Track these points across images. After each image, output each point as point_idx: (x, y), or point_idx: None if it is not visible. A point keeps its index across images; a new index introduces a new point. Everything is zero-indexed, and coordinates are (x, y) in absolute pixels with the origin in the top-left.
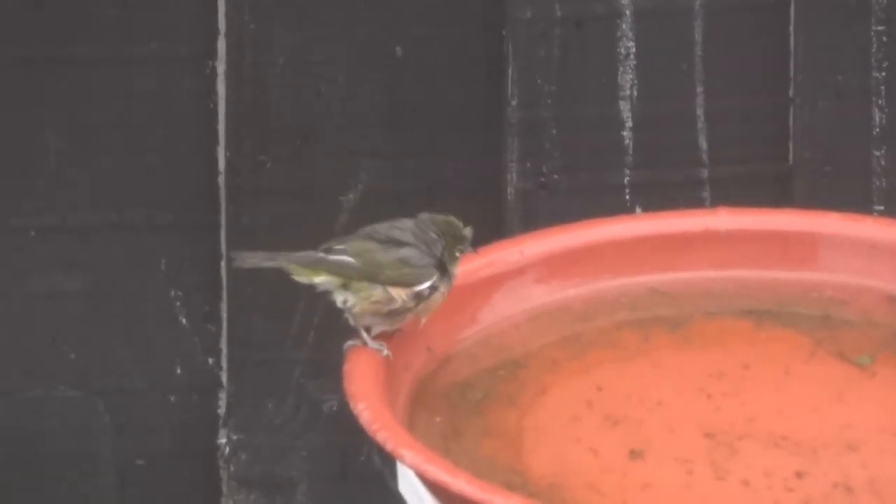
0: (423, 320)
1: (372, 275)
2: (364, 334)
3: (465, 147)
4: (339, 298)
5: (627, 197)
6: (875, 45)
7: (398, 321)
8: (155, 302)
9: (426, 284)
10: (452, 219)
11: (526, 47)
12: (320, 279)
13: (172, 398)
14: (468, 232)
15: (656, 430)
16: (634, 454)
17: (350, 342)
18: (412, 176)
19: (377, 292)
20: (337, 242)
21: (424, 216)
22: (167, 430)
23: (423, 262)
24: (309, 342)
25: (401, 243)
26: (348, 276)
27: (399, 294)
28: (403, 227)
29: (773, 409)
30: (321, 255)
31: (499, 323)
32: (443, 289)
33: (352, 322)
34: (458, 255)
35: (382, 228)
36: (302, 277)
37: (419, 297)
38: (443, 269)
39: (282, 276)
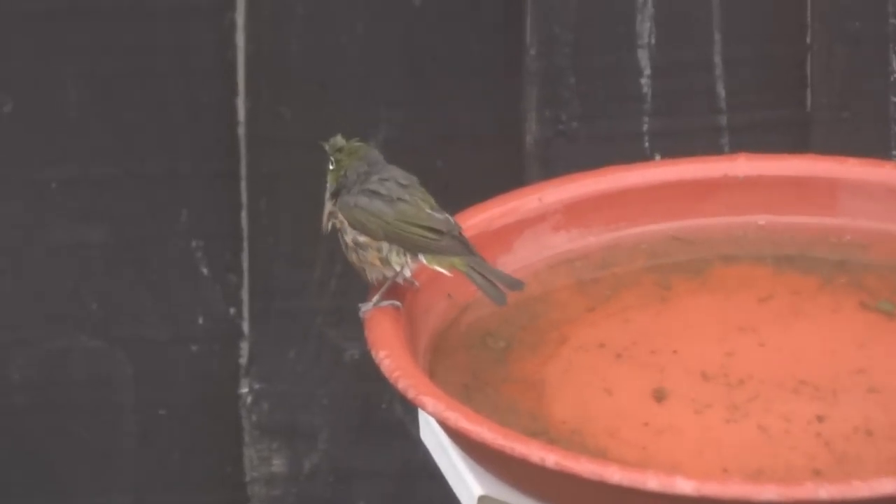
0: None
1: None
2: (375, 296)
3: (484, 95)
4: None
5: (646, 144)
6: None
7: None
8: (176, 252)
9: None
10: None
11: None
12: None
13: (194, 348)
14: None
15: (676, 376)
16: (654, 400)
17: (363, 305)
18: (432, 124)
19: None
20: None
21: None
22: (189, 379)
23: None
24: (330, 290)
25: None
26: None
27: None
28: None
29: (793, 353)
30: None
31: (518, 270)
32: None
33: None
34: (331, 167)
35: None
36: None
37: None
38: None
39: (302, 225)
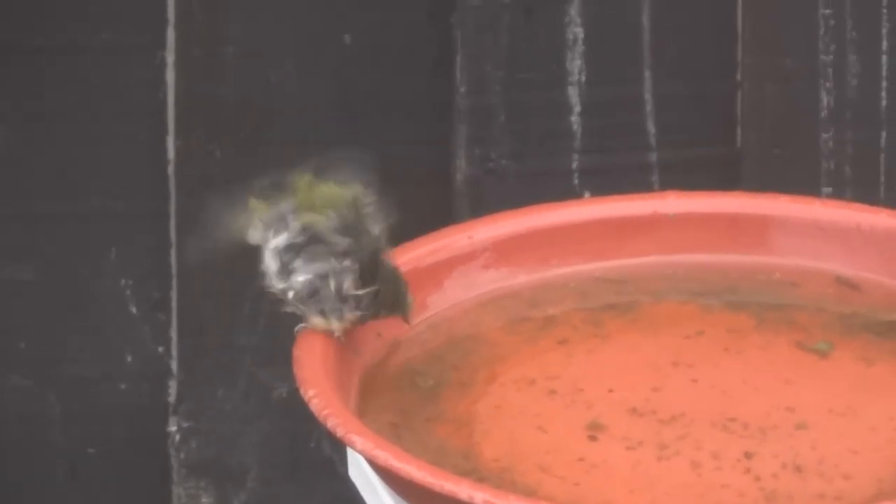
0: None
1: None
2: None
3: (415, 134)
4: None
5: (576, 182)
6: (822, 29)
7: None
8: (105, 290)
9: None
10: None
11: (474, 34)
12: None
13: (123, 386)
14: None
15: (608, 413)
16: (586, 437)
17: (301, 325)
18: (363, 162)
19: None
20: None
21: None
22: (118, 418)
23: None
24: (259, 329)
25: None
26: None
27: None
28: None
29: (722, 391)
30: None
31: (448, 309)
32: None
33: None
34: None
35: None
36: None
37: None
38: None
39: (231, 264)
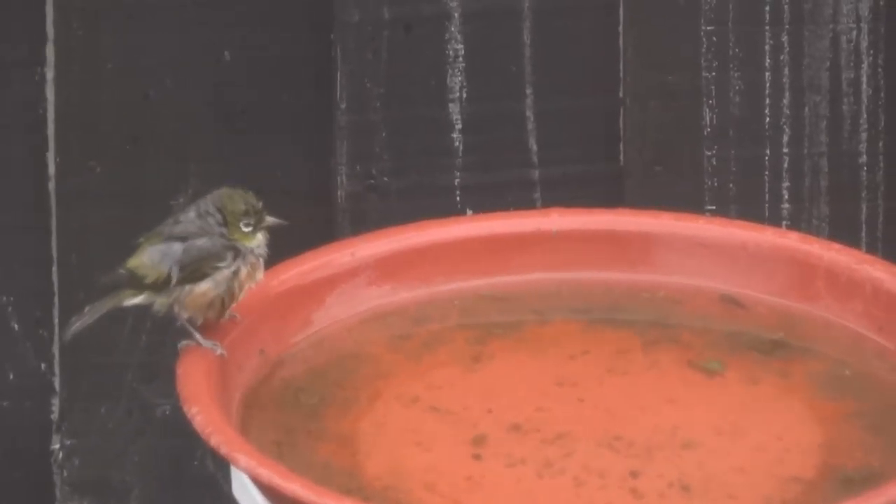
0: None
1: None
2: (197, 335)
3: (295, 150)
4: (156, 308)
5: (458, 199)
6: (705, 45)
7: (220, 311)
8: None
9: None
10: (234, 192)
11: (354, 50)
12: (136, 300)
13: (5, 403)
14: (252, 202)
15: (491, 431)
16: (469, 455)
17: (184, 341)
18: (242, 179)
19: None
20: (131, 257)
21: (207, 197)
22: (0, 435)
23: (213, 248)
24: (141, 346)
25: (183, 238)
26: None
27: (203, 287)
28: (186, 219)
29: (607, 409)
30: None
31: (332, 325)
32: (245, 268)
33: (179, 321)
34: (245, 229)
35: (166, 227)
36: (128, 303)
37: (224, 282)
38: (235, 248)
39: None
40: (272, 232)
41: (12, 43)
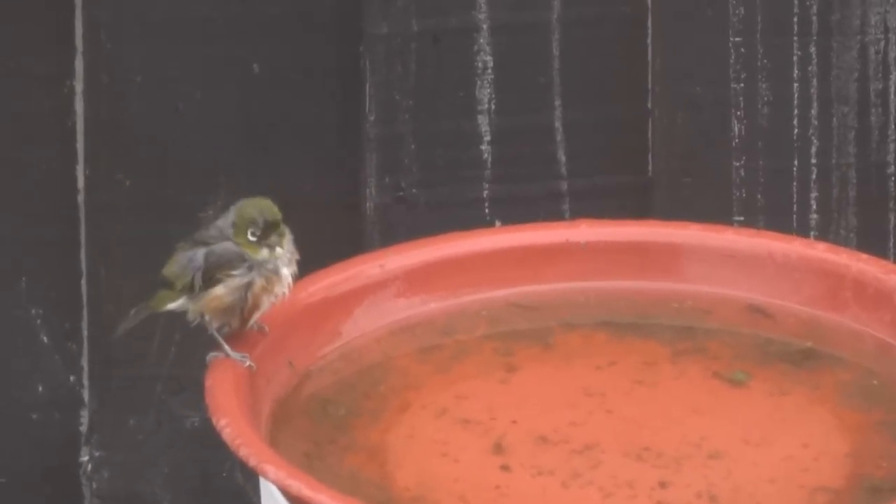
0: (257, 314)
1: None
2: (226, 346)
3: (323, 162)
4: (189, 315)
5: (487, 210)
6: (733, 57)
7: (241, 319)
8: (15, 320)
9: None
10: (255, 200)
11: (383, 63)
12: (174, 305)
13: (34, 416)
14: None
15: (520, 442)
16: (497, 466)
17: (213, 353)
18: (271, 191)
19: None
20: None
21: (233, 208)
22: (29, 448)
23: (228, 255)
24: (170, 358)
25: (206, 243)
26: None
27: (218, 292)
28: (213, 225)
29: (635, 420)
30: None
31: (360, 337)
32: (260, 280)
33: (210, 330)
34: (251, 238)
35: (197, 233)
36: (167, 307)
37: (238, 290)
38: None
39: (142, 292)
40: (302, 243)
41: (42, 56)
